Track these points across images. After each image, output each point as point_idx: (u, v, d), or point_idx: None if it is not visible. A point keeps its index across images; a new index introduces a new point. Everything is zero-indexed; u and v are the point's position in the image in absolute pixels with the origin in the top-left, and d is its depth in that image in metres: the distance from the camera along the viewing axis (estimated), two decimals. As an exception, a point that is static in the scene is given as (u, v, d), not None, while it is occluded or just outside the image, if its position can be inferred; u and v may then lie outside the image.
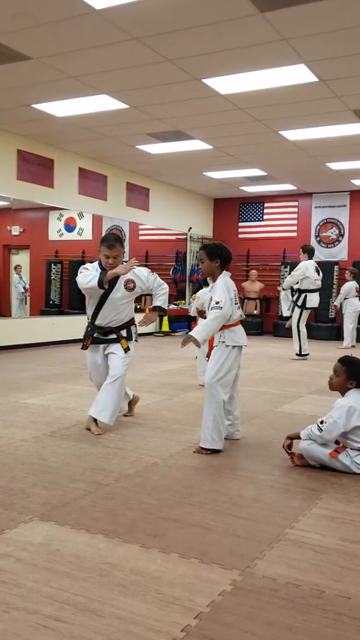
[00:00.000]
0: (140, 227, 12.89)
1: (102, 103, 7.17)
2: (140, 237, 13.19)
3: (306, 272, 8.85)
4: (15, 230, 11.06)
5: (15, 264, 11.61)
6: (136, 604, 1.95)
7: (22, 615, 1.88)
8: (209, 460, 3.64)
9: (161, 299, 4.41)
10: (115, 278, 4.20)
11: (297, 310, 8.89)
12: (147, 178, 12.08)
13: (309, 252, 9.06)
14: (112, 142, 9.21)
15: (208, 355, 4.17)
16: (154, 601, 1.97)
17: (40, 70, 6.12)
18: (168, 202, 12.82)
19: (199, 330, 3.70)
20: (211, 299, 3.80)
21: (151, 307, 4.47)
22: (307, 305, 8.87)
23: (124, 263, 4.29)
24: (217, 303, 3.68)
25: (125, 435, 4.20)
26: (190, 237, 13.54)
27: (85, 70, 6.12)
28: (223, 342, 3.80)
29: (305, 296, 8.85)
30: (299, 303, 8.87)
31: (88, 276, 4.13)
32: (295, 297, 8.97)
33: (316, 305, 9.05)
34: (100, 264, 4.25)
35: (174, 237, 13.43)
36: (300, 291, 8.91)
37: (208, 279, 4.05)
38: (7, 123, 8.40)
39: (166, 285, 4.46)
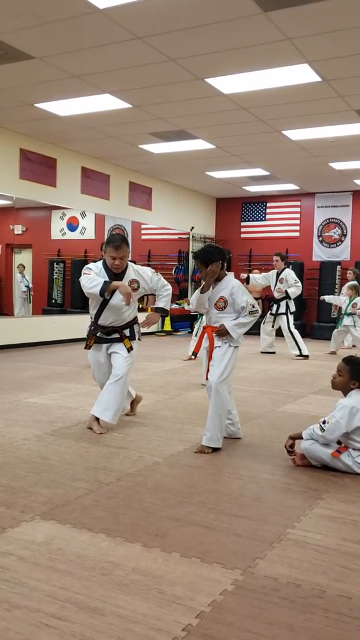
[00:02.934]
0: (143, 226, 12.90)
1: (105, 102, 7.18)
2: (143, 237, 13.21)
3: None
4: (18, 229, 11.08)
5: (18, 263, 11.65)
6: (137, 603, 1.96)
7: (23, 614, 1.89)
8: (210, 459, 3.64)
9: (164, 300, 4.41)
10: (119, 278, 4.21)
11: (283, 318, 9.06)
12: (150, 177, 12.08)
13: (285, 259, 9.32)
14: (115, 141, 9.22)
15: (192, 355, 4.32)
16: (155, 600, 1.98)
17: (43, 69, 6.12)
18: (170, 201, 12.81)
19: (237, 328, 3.82)
20: (220, 298, 3.87)
21: (153, 307, 4.47)
22: (292, 309, 9.12)
23: (129, 263, 4.31)
24: (253, 307, 3.86)
25: (127, 434, 4.20)
26: (193, 236, 13.53)
27: (88, 70, 6.13)
28: (225, 342, 3.85)
29: (287, 302, 9.07)
30: (283, 310, 9.08)
31: (93, 281, 4.11)
32: (277, 306, 9.17)
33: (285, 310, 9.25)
34: (104, 264, 4.25)
35: (176, 237, 13.43)
36: (282, 299, 9.09)
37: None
38: (10, 122, 8.41)
39: (170, 286, 4.47)
